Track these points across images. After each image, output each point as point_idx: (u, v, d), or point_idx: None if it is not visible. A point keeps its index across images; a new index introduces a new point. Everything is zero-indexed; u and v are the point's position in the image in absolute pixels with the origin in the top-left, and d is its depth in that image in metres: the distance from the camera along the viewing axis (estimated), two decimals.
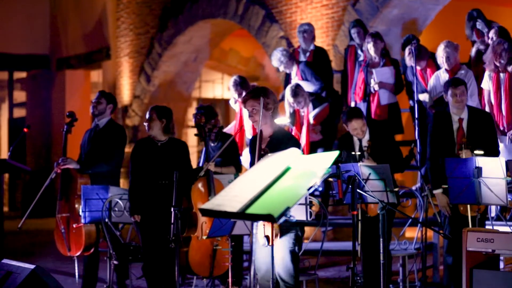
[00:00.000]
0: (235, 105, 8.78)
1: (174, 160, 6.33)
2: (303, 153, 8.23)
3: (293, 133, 7.95)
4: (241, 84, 8.51)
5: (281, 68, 8.89)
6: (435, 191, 6.29)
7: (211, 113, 7.11)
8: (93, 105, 7.19)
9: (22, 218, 7.04)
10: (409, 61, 8.04)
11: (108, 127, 7.15)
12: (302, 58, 9.13)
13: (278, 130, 5.21)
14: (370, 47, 8.45)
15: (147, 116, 6.42)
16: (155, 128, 6.39)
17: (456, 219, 6.16)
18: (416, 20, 10.37)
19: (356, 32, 9.02)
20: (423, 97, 8.06)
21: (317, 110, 8.42)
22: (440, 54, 7.46)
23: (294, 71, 8.84)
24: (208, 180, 6.31)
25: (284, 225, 4.98)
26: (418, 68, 8.11)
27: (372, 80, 8.43)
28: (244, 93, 8.43)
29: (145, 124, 6.42)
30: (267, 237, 4.67)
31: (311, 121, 8.39)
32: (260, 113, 5.01)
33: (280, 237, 5.02)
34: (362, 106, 8.52)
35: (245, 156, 7.96)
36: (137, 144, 6.52)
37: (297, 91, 8.15)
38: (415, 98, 7.83)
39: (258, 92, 5.10)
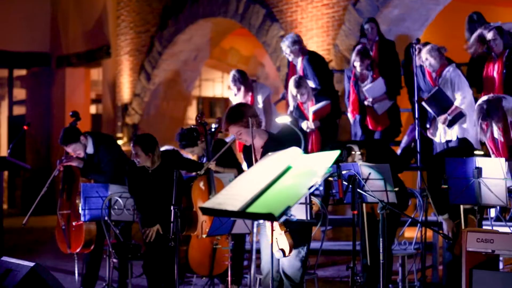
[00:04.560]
0: (235, 98, 8.84)
1: (166, 187, 6.25)
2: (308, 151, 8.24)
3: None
4: (239, 79, 8.77)
5: (289, 57, 8.87)
6: (441, 217, 6.34)
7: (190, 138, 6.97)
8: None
9: (21, 215, 7.04)
10: (418, 60, 7.96)
11: (97, 150, 6.98)
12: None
13: (270, 137, 5.19)
14: (356, 64, 8.46)
15: (132, 151, 6.34)
16: (144, 162, 6.35)
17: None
18: (416, 20, 10.37)
19: (370, 28, 8.94)
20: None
21: (318, 106, 8.39)
22: (423, 60, 7.60)
23: (299, 64, 8.85)
24: (209, 179, 6.30)
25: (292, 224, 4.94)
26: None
27: (365, 101, 8.49)
28: (242, 88, 8.57)
29: (134, 159, 6.35)
30: (282, 250, 4.67)
31: (310, 116, 8.37)
32: (249, 132, 5.00)
33: (295, 246, 4.94)
34: (358, 119, 8.64)
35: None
36: (130, 168, 6.46)
37: (300, 82, 8.23)
38: (415, 99, 7.79)
39: (234, 117, 5.04)
